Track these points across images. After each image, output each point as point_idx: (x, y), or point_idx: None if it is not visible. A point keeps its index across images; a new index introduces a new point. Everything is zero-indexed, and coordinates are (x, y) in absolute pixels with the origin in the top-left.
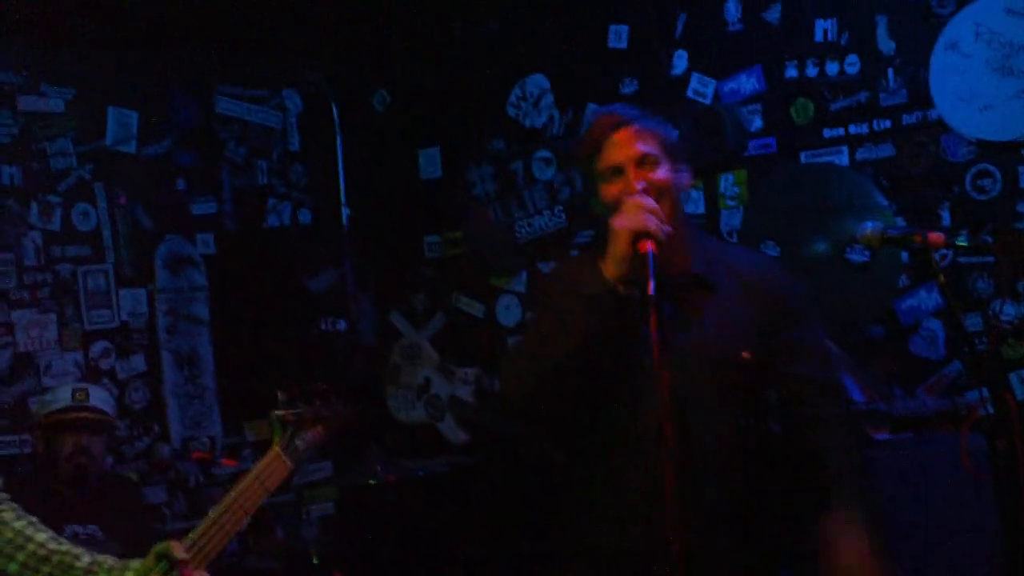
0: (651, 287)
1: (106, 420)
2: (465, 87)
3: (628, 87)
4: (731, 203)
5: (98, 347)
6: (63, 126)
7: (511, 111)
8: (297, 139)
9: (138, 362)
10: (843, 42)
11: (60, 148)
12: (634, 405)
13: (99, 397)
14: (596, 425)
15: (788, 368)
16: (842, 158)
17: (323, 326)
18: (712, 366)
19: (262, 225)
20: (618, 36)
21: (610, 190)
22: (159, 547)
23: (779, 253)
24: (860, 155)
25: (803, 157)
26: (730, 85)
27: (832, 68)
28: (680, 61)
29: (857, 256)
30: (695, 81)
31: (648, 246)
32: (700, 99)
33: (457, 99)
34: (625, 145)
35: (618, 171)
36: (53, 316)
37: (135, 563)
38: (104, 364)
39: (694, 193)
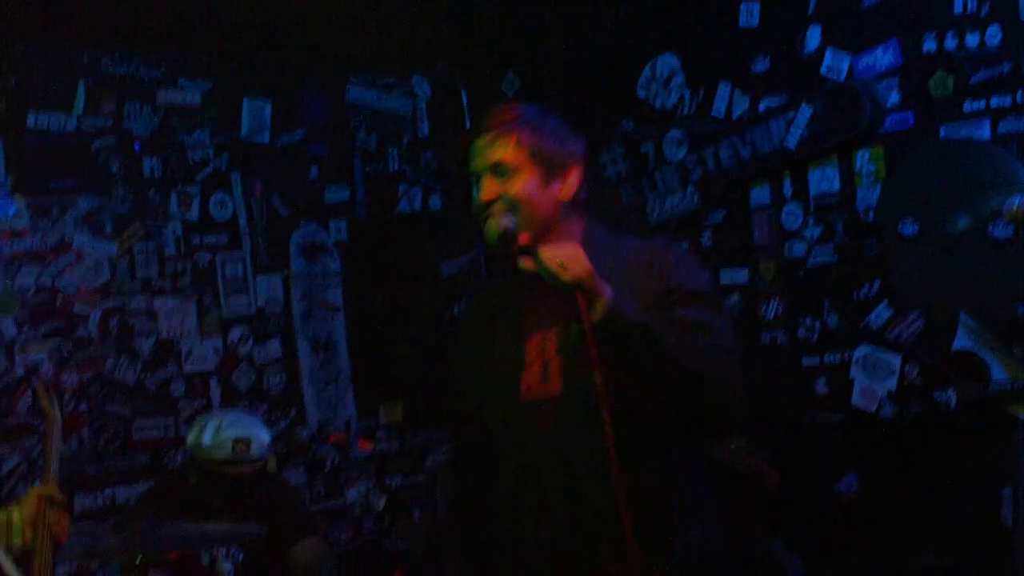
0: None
1: (263, 465)
2: (595, 69)
3: (760, 65)
4: (868, 180)
5: (236, 333)
6: (200, 118)
7: (641, 92)
8: (427, 125)
9: (275, 347)
10: (983, 13)
11: (197, 140)
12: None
13: (260, 443)
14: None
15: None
16: (984, 131)
17: (455, 310)
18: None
19: (394, 211)
20: (749, 13)
21: (477, 196)
22: (42, 490)
23: (918, 230)
24: (1003, 128)
25: (943, 132)
26: (865, 60)
27: (972, 39)
28: (813, 37)
29: (1001, 232)
30: (829, 57)
31: (527, 263)
32: (834, 75)
33: (586, 81)
34: (483, 151)
35: (478, 177)
36: (193, 303)
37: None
38: (242, 350)
39: (828, 171)
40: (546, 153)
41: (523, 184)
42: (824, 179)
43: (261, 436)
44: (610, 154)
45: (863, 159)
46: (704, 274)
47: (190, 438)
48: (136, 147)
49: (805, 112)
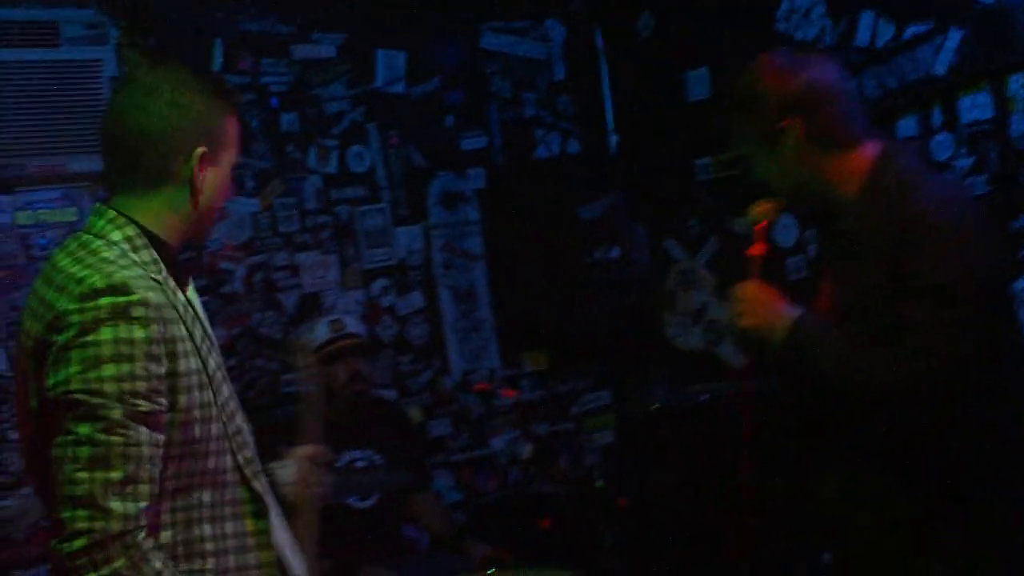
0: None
1: (365, 341)
2: (731, 4)
3: None
4: (1023, 106)
5: (378, 285)
6: (335, 71)
7: (780, 25)
8: (562, 69)
9: (416, 298)
10: None
11: (333, 93)
12: None
13: (353, 323)
14: None
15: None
16: None
17: (596, 255)
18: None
19: (531, 157)
20: None
21: None
22: (306, 450)
23: None
24: None
25: None
26: None
27: None
28: None
29: None
30: None
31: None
32: None
33: (724, 17)
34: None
35: None
36: (335, 257)
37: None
38: (384, 301)
39: (980, 97)
40: (759, 125)
41: (760, 165)
42: (976, 106)
43: (349, 319)
44: None
45: (1017, 84)
46: (957, 256)
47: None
48: (274, 102)
49: (954, 37)
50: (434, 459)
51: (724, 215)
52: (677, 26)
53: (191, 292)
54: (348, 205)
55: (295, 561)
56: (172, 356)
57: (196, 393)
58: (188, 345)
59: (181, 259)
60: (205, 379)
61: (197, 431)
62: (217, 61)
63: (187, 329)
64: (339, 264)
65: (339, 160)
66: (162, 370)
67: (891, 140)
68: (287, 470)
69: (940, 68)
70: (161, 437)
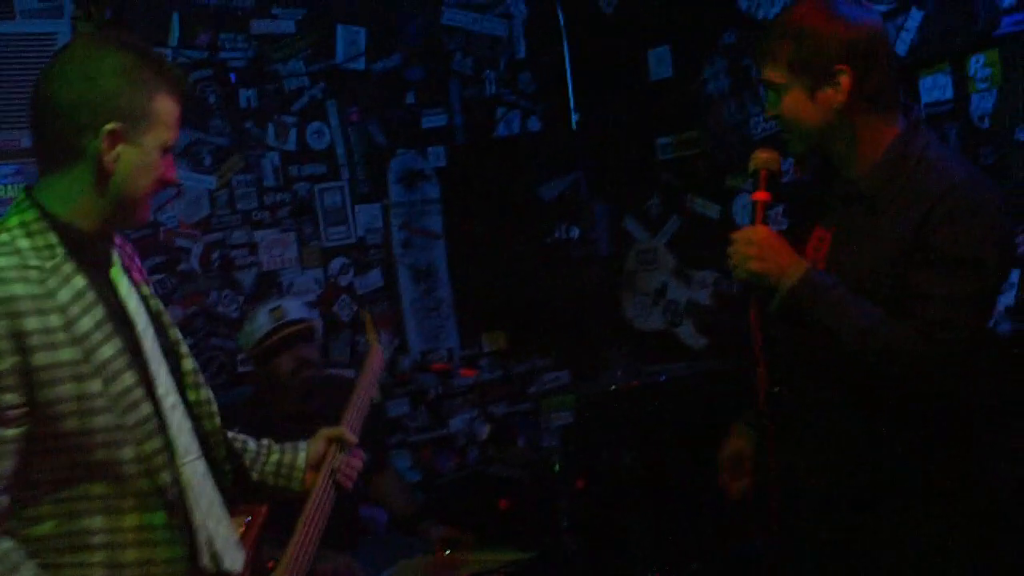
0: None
1: (310, 325)
2: None
3: None
4: (982, 86)
5: (336, 263)
6: (295, 47)
7: (743, 3)
8: (523, 46)
9: (375, 277)
10: None
11: (292, 69)
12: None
13: (294, 308)
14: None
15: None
16: None
17: (556, 234)
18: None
19: (492, 135)
20: None
21: None
22: (331, 432)
23: None
24: None
25: None
26: None
27: None
28: None
29: None
30: None
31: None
32: None
33: None
34: (758, 67)
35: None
36: (293, 235)
37: (304, 444)
38: (343, 280)
39: (941, 77)
40: (806, 64)
41: (790, 101)
42: (936, 86)
43: (291, 303)
44: (712, 69)
45: (977, 64)
46: (984, 232)
47: (239, 344)
48: (232, 78)
49: (915, 16)
50: (392, 439)
51: (684, 194)
52: (639, 4)
53: (115, 274)
54: (307, 182)
55: (230, 555)
56: (25, 350)
57: (67, 386)
58: (59, 336)
59: (119, 241)
60: (84, 370)
61: (73, 424)
62: (174, 35)
63: (65, 318)
64: (297, 242)
65: (298, 137)
66: (6, 364)
67: (917, 117)
68: (306, 451)
69: (901, 48)
70: (9, 432)
